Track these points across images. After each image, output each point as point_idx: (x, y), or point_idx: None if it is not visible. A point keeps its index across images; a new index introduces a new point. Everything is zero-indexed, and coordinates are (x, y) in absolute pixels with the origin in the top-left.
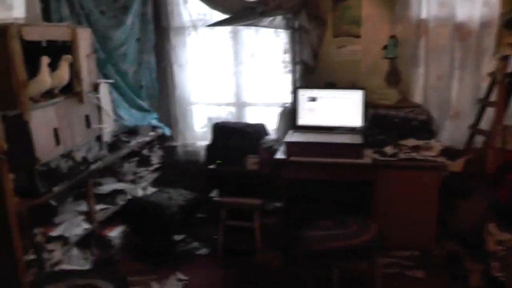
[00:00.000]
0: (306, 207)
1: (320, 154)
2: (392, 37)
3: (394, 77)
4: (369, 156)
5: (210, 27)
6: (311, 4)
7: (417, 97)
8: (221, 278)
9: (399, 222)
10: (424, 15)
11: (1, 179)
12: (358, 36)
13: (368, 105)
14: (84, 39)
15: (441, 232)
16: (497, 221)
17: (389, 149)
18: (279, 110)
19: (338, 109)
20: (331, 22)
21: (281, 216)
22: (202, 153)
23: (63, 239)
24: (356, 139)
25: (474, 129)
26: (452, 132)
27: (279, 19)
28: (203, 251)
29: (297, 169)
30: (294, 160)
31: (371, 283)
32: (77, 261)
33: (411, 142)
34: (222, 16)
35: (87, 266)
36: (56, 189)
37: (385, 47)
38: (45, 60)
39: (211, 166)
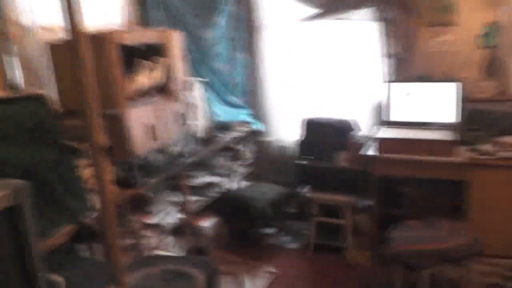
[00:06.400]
0: (395, 206)
1: (412, 151)
2: (493, 23)
3: (494, 67)
4: (463, 154)
5: (302, 21)
6: None
7: None
8: (309, 272)
9: (499, 226)
10: None
11: (102, 171)
12: (452, 25)
13: (464, 99)
14: (177, 41)
15: None
16: None
17: (487, 147)
18: (370, 105)
19: (432, 103)
20: (423, 11)
21: (371, 214)
22: (294, 149)
23: (159, 227)
24: (448, 136)
25: None
26: None
27: (369, 10)
28: (293, 245)
29: (389, 166)
30: (386, 157)
31: None
32: (172, 248)
33: None
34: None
35: (180, 253)
36: (152, 180)
37: (484, 35)
38: (142, 63)
39: (303, 162)
